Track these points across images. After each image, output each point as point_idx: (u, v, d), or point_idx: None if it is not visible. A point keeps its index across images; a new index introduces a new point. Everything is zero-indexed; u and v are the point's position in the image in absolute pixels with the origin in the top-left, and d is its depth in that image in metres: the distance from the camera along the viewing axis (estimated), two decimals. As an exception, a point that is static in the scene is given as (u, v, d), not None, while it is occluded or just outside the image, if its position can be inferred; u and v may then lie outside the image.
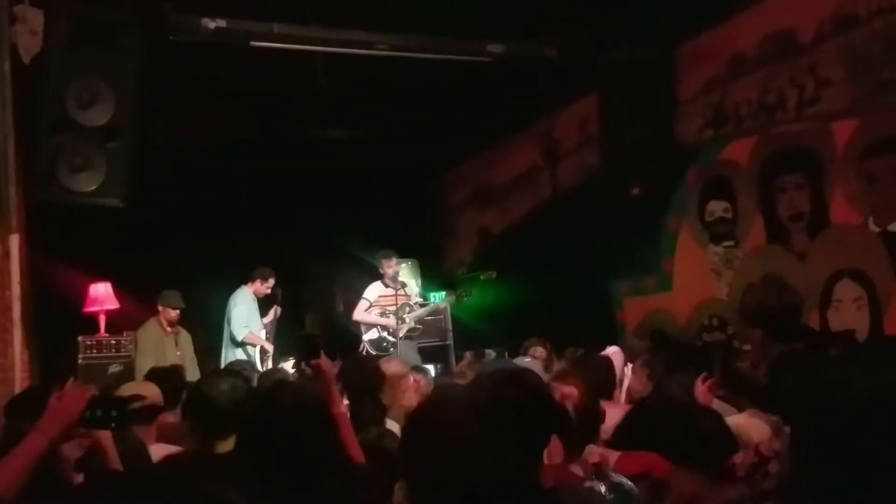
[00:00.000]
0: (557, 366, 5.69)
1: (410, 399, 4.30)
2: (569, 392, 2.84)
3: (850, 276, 5.74)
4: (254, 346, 7.69)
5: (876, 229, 5.58)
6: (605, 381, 3.87)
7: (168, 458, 2.82)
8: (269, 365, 7.45)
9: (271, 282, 7.86)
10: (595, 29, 7.02)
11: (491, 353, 7.73)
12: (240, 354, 7.55)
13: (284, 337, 7.99)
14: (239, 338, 7.61)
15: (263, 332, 7.86)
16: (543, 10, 6.65)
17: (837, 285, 5.81)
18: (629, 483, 2.41)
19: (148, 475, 2.46)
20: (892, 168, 5.47)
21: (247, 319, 7.69)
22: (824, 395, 1.42)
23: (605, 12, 6.76)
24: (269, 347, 7.74)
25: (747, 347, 5.22)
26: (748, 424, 2.63)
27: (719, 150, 6.85)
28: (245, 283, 7.87)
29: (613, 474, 2.46)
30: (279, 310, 8.00)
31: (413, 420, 1.79)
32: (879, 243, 5.53)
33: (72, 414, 2.17)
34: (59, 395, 2.19)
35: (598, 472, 2.51)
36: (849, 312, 5.71)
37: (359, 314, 8.11)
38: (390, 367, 4.51)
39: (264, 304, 8.05)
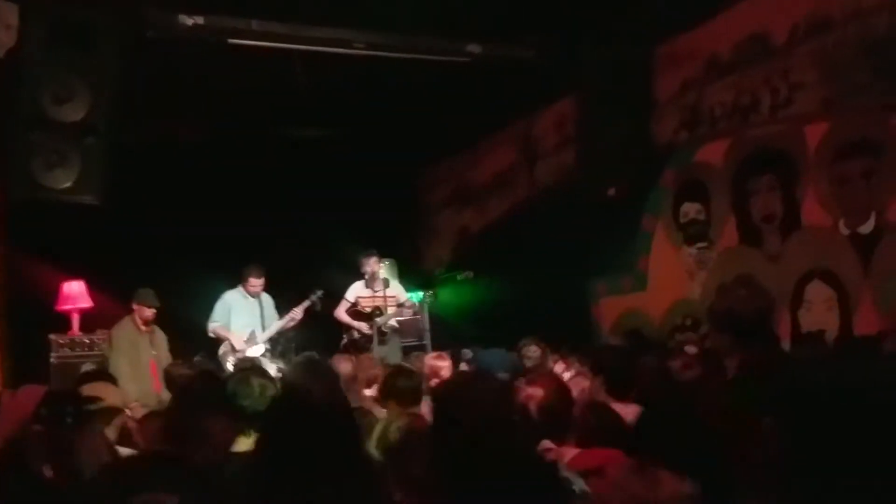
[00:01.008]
0: (551, 364, 5.72)
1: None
2: (532, 393, 2.89)
3: (820, 277, 5.82)
4: (221, 340, 7.67)
5: (846, 231, 5.65)
6: (621, 380, 3.74)
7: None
8: (229, 362, 7.41)
9: (252, 280, 7.81)
10: (573, 30, 7.07)
11: (468, 353, 7.74)
12: (219, 348, 7.61)
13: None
14: (208, 331, 7.67)
15: (247, 330, 7.79)
16: (521, 11, 6.68)
17: (808, 286, 5.89)
18: (579, 481, 2.41)
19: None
20: (863, 171, 5.55)
21: (218, 315, 7.71)
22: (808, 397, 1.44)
23: (582, 13, 6.80)
24: (240, 345, 7.65)
25: (691, 349, 5.27)
26: None
27: (694, 151, 6.92)
28: (242, 282, 7.90)
29: (564, 472, 2.47)
30: (299, 312, 7.89)
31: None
32: (850, 245, 5.61)
33: (25, 412, 2.20)
34: (11, 393, 2.22)
35: None
36: (819, 313, 5.79)
37: (338, 314, 8.15)
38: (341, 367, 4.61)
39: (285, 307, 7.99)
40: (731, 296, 4.13)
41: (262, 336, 7.81)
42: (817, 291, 5.83)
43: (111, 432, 3.27)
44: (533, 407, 2.73)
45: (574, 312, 7.81)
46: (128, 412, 3.98)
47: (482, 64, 7.20)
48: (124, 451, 3.14)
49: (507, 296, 8.31)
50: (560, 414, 2.92)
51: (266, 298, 7.97)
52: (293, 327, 7.97)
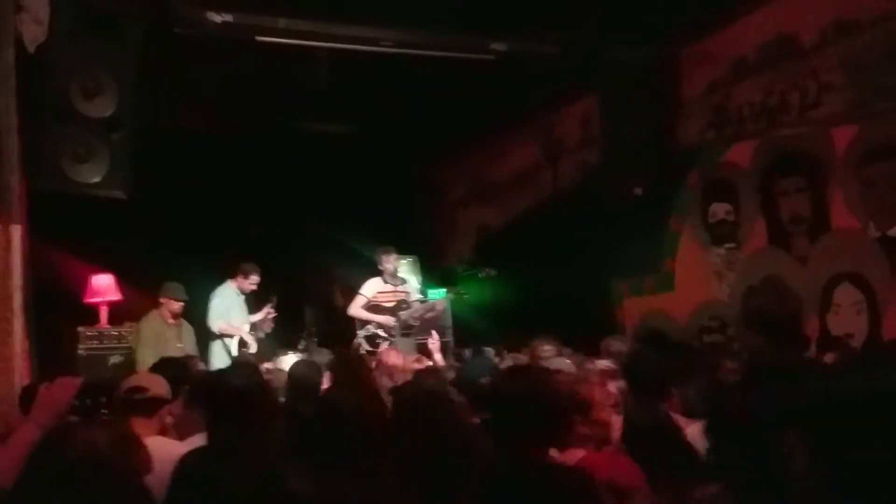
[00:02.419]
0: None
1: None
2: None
3: (849, 280, 5.77)
4: (231, 336, 7.66)
5: (876, 234, 5.61)
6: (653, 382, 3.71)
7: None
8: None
9: (254, 278, 7.74)
10: (598, 28, 7.03)
11: (489, 351, 7.74)
12: (218, 347, 7.56)
13: (284, 331, 8.01)
14: (214, 329, 7.58)
15: (247, 325, 7.81)
16: (546, 8, 6.65)
17: (837, 289, 5.84)
18: None
19: None
20: (892, 174, 5.50)
21: (222, 311, 7.64)
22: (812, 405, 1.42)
23: (608, 11, 6.77)
24: (250, 340, 7.67)
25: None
26: None
27: (722, 151, 6.88)
28: (231, 277, 7.81)
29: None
30: (272, 311, 7.93)
31: None
32: (879, 248, 5.57)
33: (62, 403, 2.26)
34: (48, 385, 2.25)
35: None
36: (848, 316, 5.75)
37: (354, 309, 8.05)
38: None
39: (256, 302, 7.99)
40: (762, 296, 4.08)
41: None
42: (846, 295, 5.78)
43: (155, 423, 3.27)
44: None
45: (597, 312, 7.78)
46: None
47: (506, 61, 7.18)
48: (165, 441, 3.18)
49: (529, 294, 8.29)
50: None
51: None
52: (299, 324, 8.00)
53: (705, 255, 7.02)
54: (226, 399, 2.80)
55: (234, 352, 7.55)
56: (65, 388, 2.29)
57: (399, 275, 8.13)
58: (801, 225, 6.16)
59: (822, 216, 5.99)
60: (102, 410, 2.40)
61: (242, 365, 4.20)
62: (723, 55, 6.76)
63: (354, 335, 8.02)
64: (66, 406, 2.27)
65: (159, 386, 3.36)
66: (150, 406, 3.25)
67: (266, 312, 7.95)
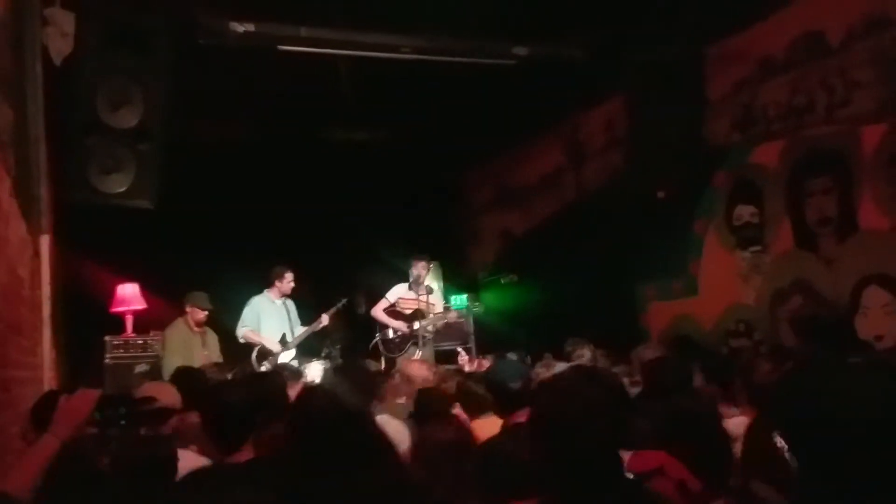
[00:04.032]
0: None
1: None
2: None
3: (878, 282, 5.67)
4: (253, 345, 7.70)
5: (905, 234, 5.51)
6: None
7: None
8: (264, 366, 7.47)
9: (288, 276, 7.85)
10: (622, 29, 6.99)
11: (513, 356, 7.70)
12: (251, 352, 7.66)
13: (309, 339, 8.02)
14: (238, 337, 7.71)
15: (281, 334, 7.84)
16: (569, 10, 6.62)
17: (865, 291, 5.75)
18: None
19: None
20: (923, 173, 5.41)
21: (249, 320, 7.74)
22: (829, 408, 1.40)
23: (632, 12, 6.72)
24: (275, 348, 7.69)
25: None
26: None
27: (748, 152, 6.80)
28: (268, 287, 7.91)
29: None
30: (326, 318, 7.93)
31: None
32: (909, 249, 5.47)
33: (81, 414, 2.27)
34: (67, 397, 2.29)
35: None
36: (876, 318, 5.65)
37: (374, 311, 8.22)
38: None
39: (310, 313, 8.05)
40: (815, 304, 4.04)
41: (293, 340, 7.86)
42: (874, 296, 5.68)
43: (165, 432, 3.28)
44: None
45: (622, 317, 7.72)
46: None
47: (529, 65, 7.15)
48: (186, 454, 3.17)
49: (553, 300, 8.26)
50: None
51: (290, 303, 8.01)
52: (322, 331, 8.00)
53: (731, 257, 6.93)
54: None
55: (254, 360, 7.59)
56: (85, 400, 2.30)
57: (426, 283, 8.18)
58: (828, 226, 6.06)
59: (851, 217, 5.89)
60: (121, 422, 2.41)
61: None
62: (749, 54, 6.68)
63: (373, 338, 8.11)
64: (86, 417, 2.29)
65: (169, 396, 3.36)
66: (159, 416, 3.25)
67: (318, 320, 7.95)
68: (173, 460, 2.75)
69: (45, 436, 2.19)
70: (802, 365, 3.18)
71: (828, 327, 3.50)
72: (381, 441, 2.46)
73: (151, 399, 3.21)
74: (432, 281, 8.79)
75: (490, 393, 3.89)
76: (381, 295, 8.27)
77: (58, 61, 5.32)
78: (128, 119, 5.84)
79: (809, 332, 3.59)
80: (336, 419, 2.38)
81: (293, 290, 7.97)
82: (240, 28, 6.09)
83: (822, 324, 3.48)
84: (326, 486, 2.22)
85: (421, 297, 8.00)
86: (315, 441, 2.34)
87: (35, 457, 2.17)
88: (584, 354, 5.76)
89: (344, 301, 8.08)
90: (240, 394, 2.84)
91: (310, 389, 3.40)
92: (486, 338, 8.83)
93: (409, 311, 8.07)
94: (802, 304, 5.27)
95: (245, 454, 2.68)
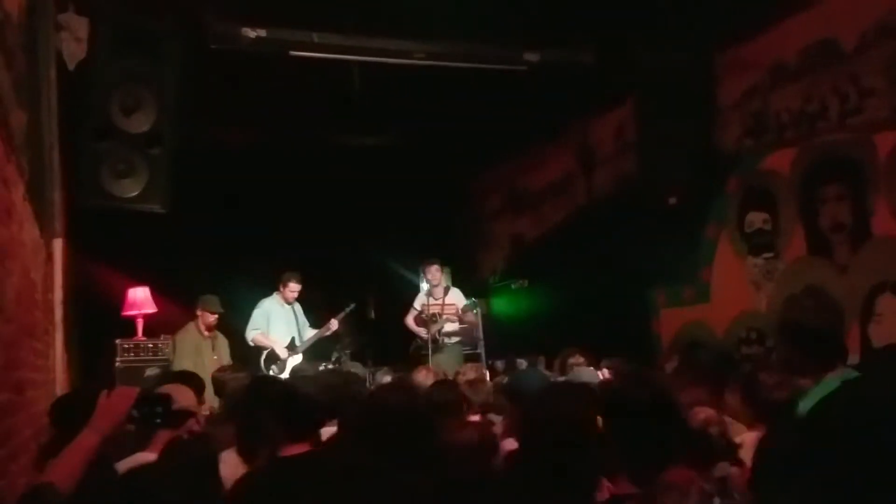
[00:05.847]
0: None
1: None
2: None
3: (892, 289, 5.63)
4: (262, 349, 7.75)
5: (920, 241, 5.48)
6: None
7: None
8: (272, 370, 7.55)
9: (292, 285, 7.89)
10: (633, 35, 6.98)
11: (522, 362, 7.70)
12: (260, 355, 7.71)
13: (318, 343, 8.04)
14: (248, 339, 7.78)
15: (289, 338, 7.86)
16: (580, 17, 6.62)
17: (879, 298, 5.70)
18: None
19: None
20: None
21: (258, 323, 7.80)
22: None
23: (643, 18, 6.71)
24: (282, 353, 7.74)
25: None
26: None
27: (760, 159, 6.77)
28: (277, 290, 7.97)
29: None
30: (335, 323, 7.99)
31: None
32: (923, 256, 5.44)
33: (120, 412, 2.33)
34: (108, 393, 2.35)
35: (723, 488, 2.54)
36: (890, 326, 5.61)
37: (406, 321, 8.49)
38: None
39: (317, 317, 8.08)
40: (801, 308, 4.00)
41: (301, 345, 7.88)
42: (888, 304, 5.64)
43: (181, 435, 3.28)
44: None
45: (633, 323, 7.69)
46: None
47: (539, 71, 7.16)
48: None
49: (563, 305, 8.24)
50: None
51: (297, 307, 8.05)
52: (331, 336, 8.02)
53: (743, 264, 6.90)
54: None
55: (271, 364, 7.63)
56: (123, 397, 2.36)
57: (442, 286, 8.28)
58: (841, 233, 6.03)
59: (864, 224, 5.85)
60: (157, 420, 2.46)
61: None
62: (761, 60, 6.66)
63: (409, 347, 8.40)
64: (124, 415, 2.34)
65: (186, 397, 3.36)
66: (176, 418, 3.26)
67: (327, 325, 7.99)
68: (216, 459, 2.84)
69: (85, 431, 2.25)
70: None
71: (812, 336, 3.47)
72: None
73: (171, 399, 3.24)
74: (448, 282, 8.86)
75: (511, 402, 3.89)
76: (391, 300, 8.43)
77: (71, 66, 5.36)
78: (140, 124, 5.87)
79: (792, 338, 3.57)
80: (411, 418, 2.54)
81: (301, 294, 8.00)
82: (252, 34, 6.11)
83: (806, 332, 3.45)
84: (390, 483, 2.30)
85: (437, 300, 8.11)
86: (386, 438, 2.46)
87: (76, 451, 2.21)
88: (579, 361, 5.77)
89: (352, 306, 8.12)
90: (321, 387, 2.94)
91: (385, 387, 3.51)
92: (497, 343, 8.83)
93: (426, 317, 8.20)
94: (815, 310, 5.22)
95: (300, 447, 2.75)
